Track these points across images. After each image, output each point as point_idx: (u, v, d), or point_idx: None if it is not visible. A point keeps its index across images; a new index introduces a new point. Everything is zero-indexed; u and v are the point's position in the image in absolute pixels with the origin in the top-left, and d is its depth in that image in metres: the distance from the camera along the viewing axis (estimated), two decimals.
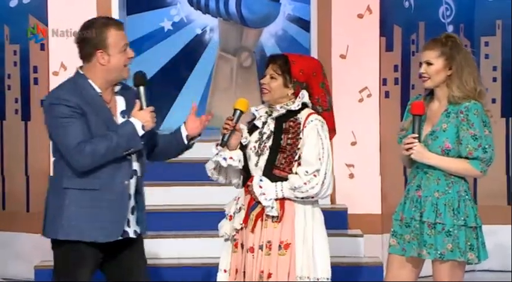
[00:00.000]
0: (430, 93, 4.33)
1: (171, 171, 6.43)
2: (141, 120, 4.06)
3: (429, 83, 4.27)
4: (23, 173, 6.67)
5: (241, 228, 4.25)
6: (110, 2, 6.67)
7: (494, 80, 6.83)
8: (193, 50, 7.91)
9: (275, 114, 4.28)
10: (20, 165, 6.68)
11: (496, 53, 6.83)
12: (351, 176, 6.52)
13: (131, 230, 4.14)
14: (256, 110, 4.36)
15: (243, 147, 4.30)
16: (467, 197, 4.26)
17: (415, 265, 4.32)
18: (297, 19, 7.89)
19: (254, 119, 4.36)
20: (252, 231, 4.21)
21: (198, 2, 7.93)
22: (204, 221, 6.05)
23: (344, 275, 5.81)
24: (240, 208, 4.28)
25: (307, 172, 4.17)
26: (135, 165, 4.14)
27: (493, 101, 6.79)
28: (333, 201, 6.47)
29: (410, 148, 4.20)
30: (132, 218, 4.14)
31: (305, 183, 4.16)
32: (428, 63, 4.24)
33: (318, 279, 4.21)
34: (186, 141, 4.26)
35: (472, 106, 4.24)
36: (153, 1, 7.87)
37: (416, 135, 4.21)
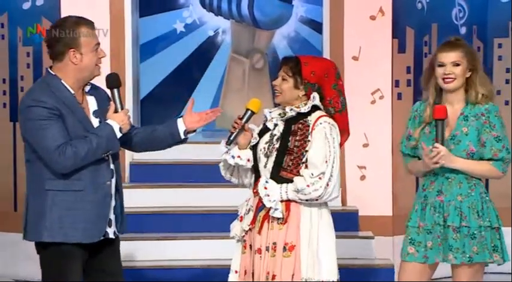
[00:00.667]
0: (437, 98, 4.31)
1: (177, 173, 6.46)
2: (119, 122, 4.08)
3: (455, 84, 4.25)
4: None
5: (250, 230, 4.27)
6: (122, 4, 6.69)
7: (507, 81, 6.81)
8: (205, 52, 7.92)
9: (286, 116, 4.29)
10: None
11: (509, 54, 6.81)
12: (363, 177, 6.51)
13: (111, 231, 4.16)
14: (270, 112, 4.37)
15: (254, 148, 4.31)
16: (487, 198, 4.29)
17: (431, 269, 4.31)
18: (309, 21, 7.88)
19: (266, 120, 4.36)
20: (259, 232, 4.22)
21: (210, 4, 7.94)
22: (209, 222, 6.08)
23: (355, 277, 5.81)
24: (249, 209, 4.29)
25: (312, 174, 4.18)
26: (112, 166, 4.16)
27: (506, 102, 6.77)
28: (344, 202, 6.46)
29: (438, 157, 4.17)
30: (113, 218, 4.16)
31: (308, 186, 4.17)
32: (456, 64, 4.23)
33: (323, 280, 4.20)
34: (182, 136, 4.27)
35: (493, 108, 4.26)
36: (166, 3, 7.88)
37: (439, 145, 4.17)
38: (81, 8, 6.54)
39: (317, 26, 7.58)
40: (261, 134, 4.34)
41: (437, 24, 6.70)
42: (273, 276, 4.18)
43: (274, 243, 4.19)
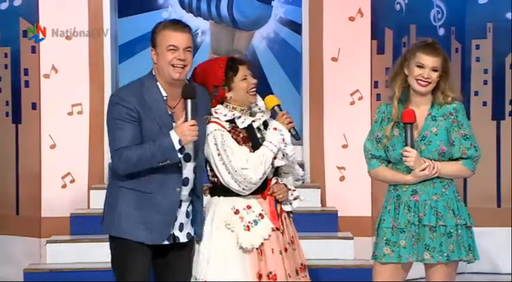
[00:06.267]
0: (402, 98, 4.32)
1: None
2: (179, 134, 4.06)
3: (428, 88, 4.27)
4: (14, 176, 6.66)
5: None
6: (101, 5, 6.68)
7: (485, 82, 6.84)
8: None
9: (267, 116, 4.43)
10: (10, 168, 6.67)
11: (487, 56, 6.84)
12: (342, 178, 6.52)
13: (183, 234, 4.20)
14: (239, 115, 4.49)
15: (255, 149, 4.34)
16: (459, 197, 4.33)
17: (405, 270, 4.32)
18: (288, 22, 7.88)
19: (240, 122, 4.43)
20: (283, 232, 4.36)
21: (189, 5, 7.92)
22: None
23: (334, 277, 5.82)
24: (261, 214, 4.32)
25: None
26: (187, 173, 4.18)
27: (484, 104, 6.80)
28: (323, 203, 6.47)
29: (409, 160, 4.20)
30: (185, 222, 4.21)
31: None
32: (435, 70, 4.25)
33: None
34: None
35: (460, 107, 4.30)
36: (145, 4, 7.85)
37: (410, 149, 4.21)
38: (59, 9, 6.52)
39: (296, 27, 7.58)
40: (252, 134, 4.40)
41: (415, 25, 6.73)
42: (303, 267, 4.41)
43: (293, 237, 4.40)
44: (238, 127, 4.34)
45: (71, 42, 6.52)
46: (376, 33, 6.63)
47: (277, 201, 4.38)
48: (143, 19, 7.83)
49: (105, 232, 4.22)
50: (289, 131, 4.36)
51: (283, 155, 4.34)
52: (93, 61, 6.61)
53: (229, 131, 4.31)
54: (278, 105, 4.42)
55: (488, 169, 6.68)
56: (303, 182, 4.54)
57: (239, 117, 4.35)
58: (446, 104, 4.28)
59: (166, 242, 4.16)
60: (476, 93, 6.80)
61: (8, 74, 6.71)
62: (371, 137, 4.37)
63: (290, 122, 4.37)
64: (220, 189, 4.34)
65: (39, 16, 6.51)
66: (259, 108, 4.44)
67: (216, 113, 4.34)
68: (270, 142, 4.31)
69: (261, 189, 4.34)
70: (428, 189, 4.26)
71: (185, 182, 4.18)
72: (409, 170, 4.26)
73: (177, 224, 4.19)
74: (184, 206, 4.21)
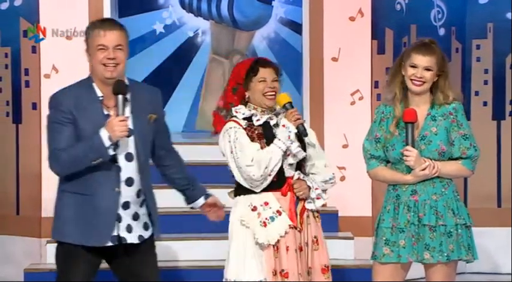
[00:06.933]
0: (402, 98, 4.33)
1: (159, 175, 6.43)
2: (109, 130, 4.03)
3: (422, 88, 4.28)
4: (14, 176, 6.66)
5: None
6: (101, 5, 6.67)
7: (486, 82, 6.84)
8: (185, 53, 7.90)
9: (281, 116, 4.47)
10: (10, 168, 6.67)
11: (487, 56, 6.84)
12: (342, 178, 6.52)
13: (132, 235, 4.14)
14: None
15: (268, 144, 4.39)
16: (458, 196, 4.33)
17: (405, 270, 4.32)
18: (289, 22, 7.89)
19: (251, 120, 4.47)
20: (301, 230, 4.38)
21: (190, 5, 7.92)
22: (195, 223, 6.06)
23: (334, 278, 5.74)
24: (279, 211, 4.34)
25: (325, 165, 4.64)
26: (130, 173, 4.12)
27: (485, 103, 6.80)
28: (323, 203, 6.46)
29: (410, 159, 4.20)
30: (135, 224, 4.14)
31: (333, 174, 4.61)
32: (428, 69, 4.25)
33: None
34: None
35: (459, 107, 4.31)
36: (145, 4, 7.86)
37: (411, 148, 4.21)
38: (60, 8, 6.52)
39: (297, 27, 7.59)
40: (267, 131, 4.44)
41: (416, 25, 6.73)
42: (327, 268, 4.44)
43: (315, 237, 4.42)
44: (254, 124, 4.40)
45: (72, 42, 6.52)
46: (377, 33, 6.62)
47: (299, 199, 4.41)
48: (144, 19, 7.85)
49: (51, 237, 4.21)
50: (297, 127, 4.40)
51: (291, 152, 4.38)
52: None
53: (245, 129, 4.39)
54: (289, 103, 4.48)
55: (489, 169, 6.67)
56: (333, 185, 4.60)
57: (256, 115, 4.42)
58: (445, 103, 4.28)
59: (110, 244, 4.11)
60: (476, 93, 6.80)
61: (9, 74, 6.70)
62: (370, 137, 4.37)
63: (298, 119, 4.40)
64: (241, 189, 4.42)
65: (40, 16, 6.51)
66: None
67: (236, 112, 4.43)
68: (279, 139, 4.37)
69: (280, 186, 4.37)
70: (428, 189, 4.26)
71: (129, 182, 4.12)
72: (408, 170, 4.26)
73: (123, 225, 4.12)
74: (134, 208, 4.14)
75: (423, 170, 4.20)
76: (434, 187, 4.26)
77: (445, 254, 4.20)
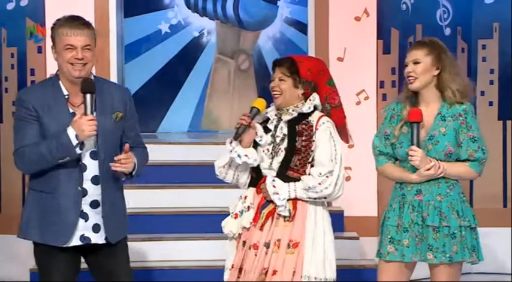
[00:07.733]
0: (412, 98, 4.32)
1: (163, 174, 6.45)
2: (76, 129, 3.99)
3: (416, 84, 4.26)
4: (20, 176, 6.67)
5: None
6: (107, 5, 6.68)
7: (492, 82, 6.83)
8: (190, 53, 7.91)
9: (287, 117, 4.34)
10: (16, 168, 6.66)
11: (493, 55, 6.83)
12: (348, 178, 6.51)
13: (99, 236, 4.11)
14: (266, 113, 4.42)
15: (256, 147, 4.34)
16: (464, 198, 4.32)
17: (409, 269, 4.32)
18: (294, 22, 7.89)
19: (267, 120, 4.41)
20: (261, 229, 4.26)
21: (195, 5, 7.93)
22: (200, 223, 6.07)
23: (340, 278, 5.74)
24: (249, 207, 4.32)
25: (320, 173, 4.25)
26: (96, 171, 4.09)
27: (490, 103, 6.79)
28: (329, 203, 6.44)
29: (415, 159, 4.20)
30: (102, 223, 4.11)
31: (319, 184, 4.23)
32: (416, 62, 4.24)
33: (326, 279, 4.29)
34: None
35: (470, 108, 4.29)
36: (151, 4, 7.87)
37: (416, 148, 4.20)
38: (65, 8, 6.50)
39: (302, 27, 7.59)
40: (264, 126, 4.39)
41: (421, 25, 6.72)
42: (274, 272, 4.22)
43: (279, 240, 4.25)
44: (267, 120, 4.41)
45: None
46: (382, 33, 6.62)
47: (268, 201, 4.31)
48: (149, 19, 7.85)
49: (18, 236, 4.19)
50: (236, 128, 4.30)
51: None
52: (99, 61, 6.60)
53: (261, 123, 4.38)
54: (255, 108, 4.30)
55: (494, 169, 6.67)
56: (317, 194, 4.25)
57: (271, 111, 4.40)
58: (456, 103, 4.26)
59: (75, 243, 4.07)
60: (482, 93, 6.79)
61: (15, 74, 6.72)
62: (380, 134, 4.37)
63: (239, 122, 4.29)
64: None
65: (46, 16, 6.52)
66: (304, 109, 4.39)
67: None
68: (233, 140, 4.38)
69: (257, 183, 4.36)
70: (432, 189, 4.25)
71: (95, 180, 4.10)
72: (414, 169, 4.25)
73: (89, 225, 4.09)
74: (102, 207, 4.10)
75: (428, 169, 4.20)
76: (440, 187, 4.25)
77: (448, 255, 4.20)
